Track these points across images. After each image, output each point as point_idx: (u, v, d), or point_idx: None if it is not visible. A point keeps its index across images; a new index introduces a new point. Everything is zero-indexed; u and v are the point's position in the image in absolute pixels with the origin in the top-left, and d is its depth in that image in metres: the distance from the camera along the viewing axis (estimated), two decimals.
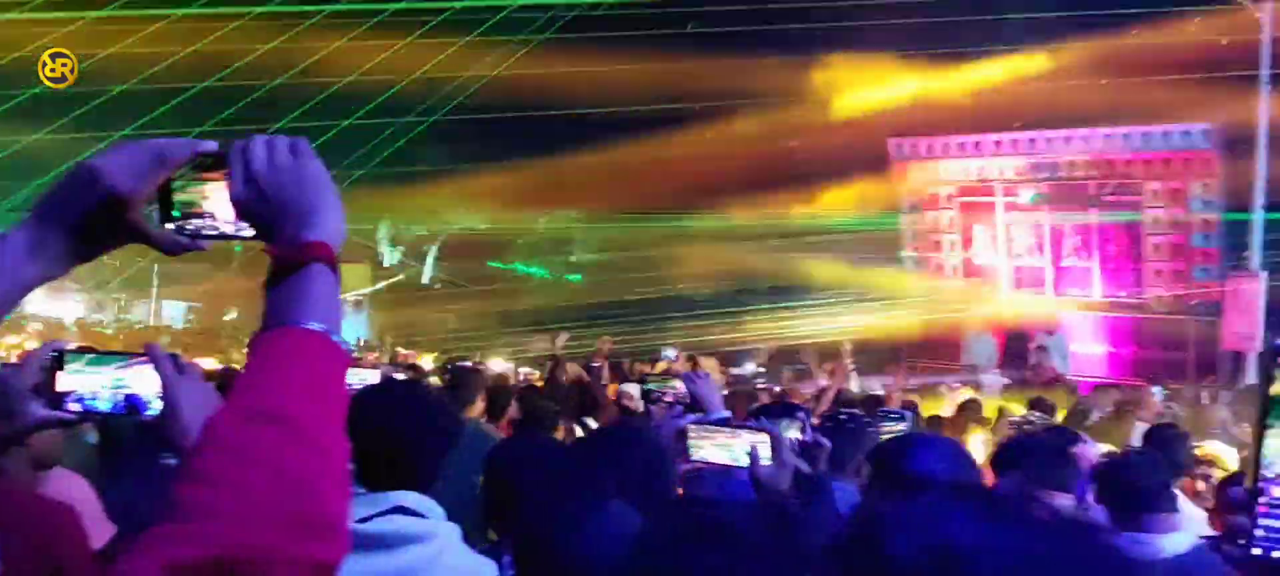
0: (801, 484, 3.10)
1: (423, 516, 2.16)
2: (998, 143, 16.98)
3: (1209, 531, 3.87)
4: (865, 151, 18.88)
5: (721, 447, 2.37)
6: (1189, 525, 4.10)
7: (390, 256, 26.63)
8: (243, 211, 1.21)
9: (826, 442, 3.32)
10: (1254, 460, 0.96)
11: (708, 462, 2.52)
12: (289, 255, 1.14)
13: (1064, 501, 3.30)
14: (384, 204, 24.49)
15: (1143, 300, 16.18)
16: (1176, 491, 4.64)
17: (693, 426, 2.73)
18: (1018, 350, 14.35)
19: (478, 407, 5.95)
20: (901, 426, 4.41)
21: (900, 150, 17.92)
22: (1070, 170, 16.32)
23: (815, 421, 4.53)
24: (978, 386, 12.47)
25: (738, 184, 20.91)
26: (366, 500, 2.16)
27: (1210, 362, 15.05)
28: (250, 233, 1.23)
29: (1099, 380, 14.29)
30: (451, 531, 2.18)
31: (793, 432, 3.56)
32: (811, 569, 0.89)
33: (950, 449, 2.73)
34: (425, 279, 26.76)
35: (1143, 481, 3.39)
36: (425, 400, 2.39)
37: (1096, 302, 16.56)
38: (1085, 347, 15.90)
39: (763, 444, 2.55)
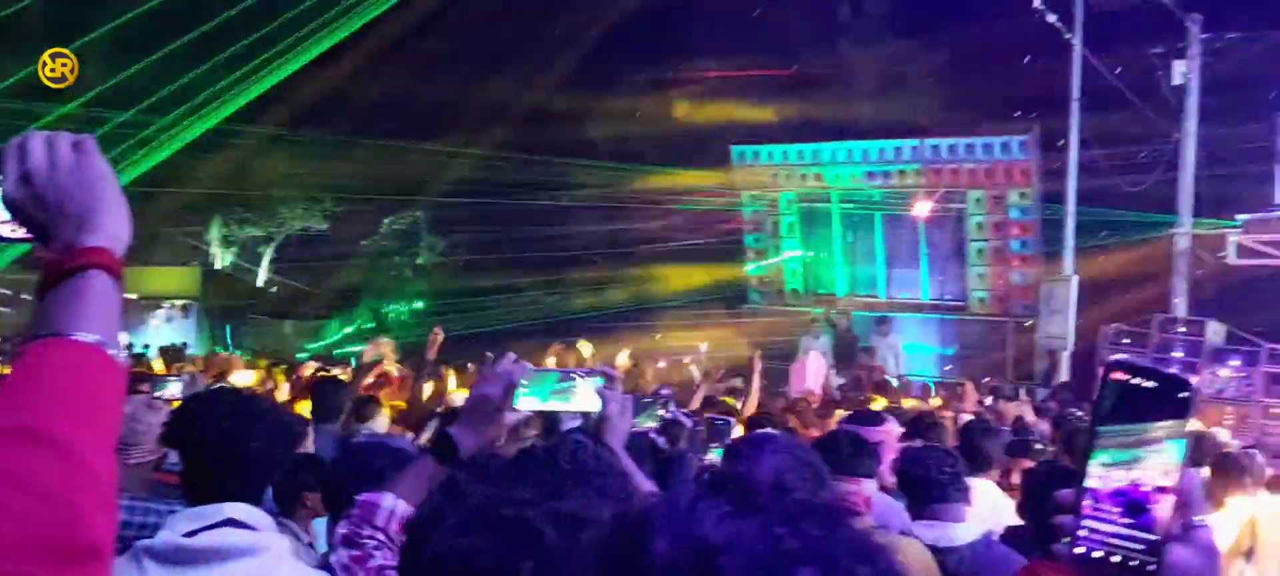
0: (662, 460, 3.17)
1: (253, 528, 2.10)
2: (833, 150, 17.60)
3: (1017, 521, 4.13)
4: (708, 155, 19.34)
5: (559, 396, 2.34)
6: (996, 514, 4.39)
7: (222, 258, 25.55)
8: (17, 212, 1.12)
9: (687, 422, 3.43)
10: (1082, 466, 1.07)
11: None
12: (64, 260, 1.06)
13: (868, 487, 3.53)
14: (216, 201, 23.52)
15: (966, 302, 17.07)
16: (989, 482, 4.95)
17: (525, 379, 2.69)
18: (850, 351, 14.91)
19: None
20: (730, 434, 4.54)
21: (742, 156, 18.35)
22: (901, 178, 17.07)
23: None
24: (813, 392, 12.92)
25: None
26: (194, 513, 2.09)
27: (1029, 361, 16.02)
28: (24, 234, 1.13)
29: (925, 379, 15.02)
30: (283, 543, 2.13)
31: (651, 420, 3.64)
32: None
33: (792, 447, 2.83)
34: (260, 282, 25.79)
35: (934, 473, 3.64)
36: (257, 408, 2.32)
37: (924, 304, 17.37)
38: (914, 348, 16.65)
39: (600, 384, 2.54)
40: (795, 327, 16.91)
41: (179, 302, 22.47)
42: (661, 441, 3.56)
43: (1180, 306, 15.28)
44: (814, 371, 12.53)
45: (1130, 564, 1.06)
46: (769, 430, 5.20)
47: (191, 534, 2.03)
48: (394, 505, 2.04)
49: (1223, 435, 8.85)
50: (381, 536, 2.01)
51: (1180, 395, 1.06)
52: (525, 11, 21.20)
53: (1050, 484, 3.43)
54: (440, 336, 7.14)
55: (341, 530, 2.03)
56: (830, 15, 20.70)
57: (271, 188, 23.32)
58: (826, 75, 20.08)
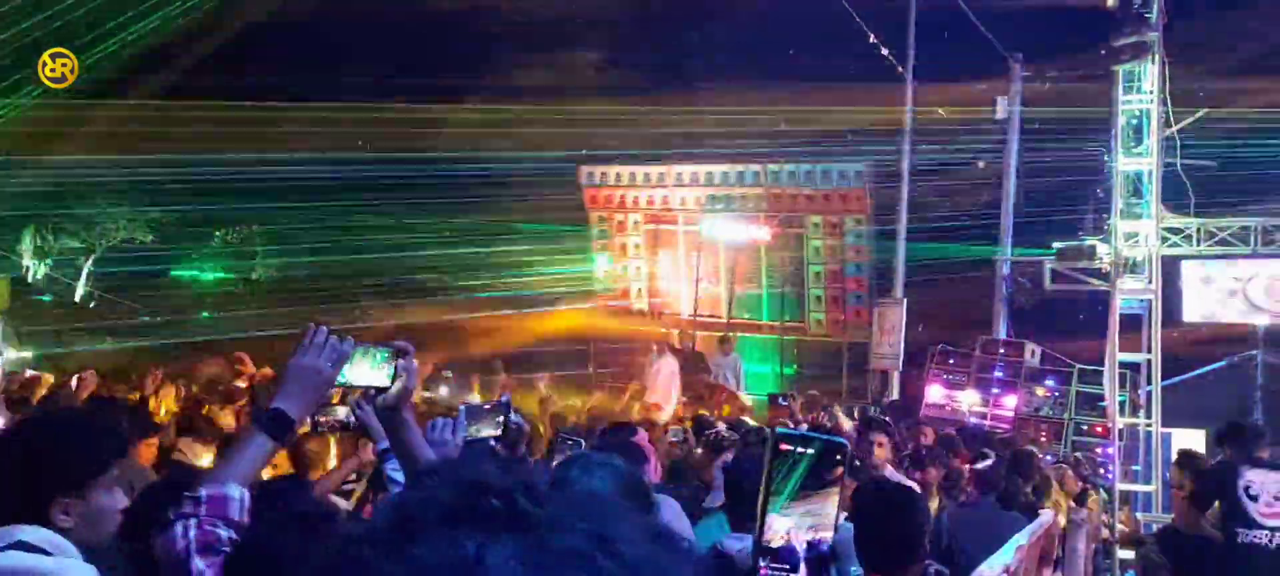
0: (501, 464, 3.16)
1: (45, 553, 1.92)
2: (679, 173, 17.89)
3: None
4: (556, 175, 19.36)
5: (378, 371, 2.30)
6: None
7: (36, 269, 23.90)
8: None
9: (526, 425, 3.45)
10: (758, 529, 1.16)
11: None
12: None
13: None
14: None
15: (804, 324, 17.57)
16: None
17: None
18: (695, 370, 15.11)
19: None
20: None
21: (590, 177, 18.43)
22: (743, 202, 17.47)
23: None
24: (659, 406, 13.05)
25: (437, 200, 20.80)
26: None
27: (862, 381, 16.60)
28: None
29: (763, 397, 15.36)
30: (83, 570, 1.95)
31: (489, 428, 3.61)
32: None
33: (620, 470, 2.83)
34: (78, 295, 24.24)
35: (751, 484, 3.73)
36: (75, 427, 2.13)
37: (764, 325, 17.80)
38: (754, 367, 17.02)
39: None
40: (643, 348, 17.07)
41: None
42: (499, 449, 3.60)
43: (1001, 329, 16.14)
44: (664, 383, 12.66)
45: None
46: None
47: None
48: (242, 495, 1.92)
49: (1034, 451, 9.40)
50: (236, 533, 1.88)
51: (836, 458, 1.17)
52: (367, 18, 20.78)
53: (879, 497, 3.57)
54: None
55: (193, 533, 1.86)
56: (677, 40, 21.09)
57: (92, 195, 22.02)
58: (673, 98, 20.41)
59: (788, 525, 1.14)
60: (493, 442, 3.72)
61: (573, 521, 0.79)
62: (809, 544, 1.14)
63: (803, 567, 1.13)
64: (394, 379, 2.27)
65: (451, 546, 0.76)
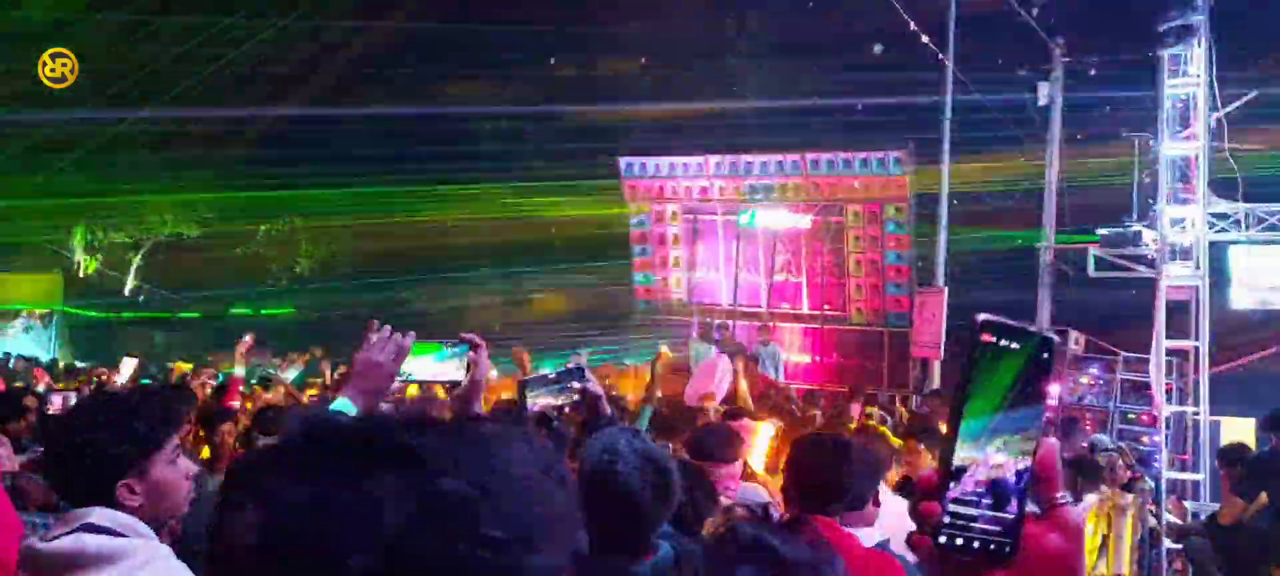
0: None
1: (115, 534, 1.98)
2: (718, 163, 17.85)
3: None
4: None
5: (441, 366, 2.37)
6: (891, 519, 4.50)
7: (87, 264, 24.39)
8: None
9: (599, 391, 3.61)
10: (949, 443, 0.88)
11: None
12: None
13: (736, 469, 4.09)
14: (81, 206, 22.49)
15: (844, 312, 17.49)
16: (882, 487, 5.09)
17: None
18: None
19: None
20: None
21: (629, 168, 18.45)
22: (782, 192, 17.40)
23: None
24: (713, 396, 13.04)
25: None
26: (61, 519, 2.00)
27: (903, 369, 16.51)
28: None
29: (806, 387, 15.33)
30: (155, 550, 2.01)
31: (563, 398, 3.58)
32: None
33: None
34: (127, 290, 24.71)
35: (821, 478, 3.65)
36: (116, 408, 2.19)
37: (804, 314, 17.73)
38: (794, 356, 16.98)
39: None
40: (680, 338, 17.07)
41: (38, 312, 21.35)
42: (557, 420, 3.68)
43: (1044, 316, 15.95)
44: (721, 374, 12.65)
45: (989, 547, 0.89)
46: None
47: (49, 539, 1.93)
48: None
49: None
50: None
51: (1043, 355, 0.90)
52: (409, 14, 20.95)
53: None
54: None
55: None
56: (717, 32, 21.06)
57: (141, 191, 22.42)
58: (712, 90, 20.40)
59: (995, 451, 0.86)
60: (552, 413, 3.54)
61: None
62: (987, 464, 0.87)
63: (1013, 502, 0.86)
64: (467, 372, 2.31)
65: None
